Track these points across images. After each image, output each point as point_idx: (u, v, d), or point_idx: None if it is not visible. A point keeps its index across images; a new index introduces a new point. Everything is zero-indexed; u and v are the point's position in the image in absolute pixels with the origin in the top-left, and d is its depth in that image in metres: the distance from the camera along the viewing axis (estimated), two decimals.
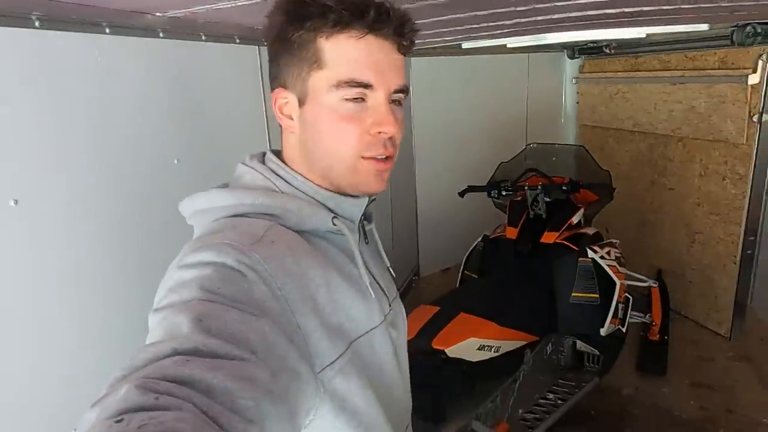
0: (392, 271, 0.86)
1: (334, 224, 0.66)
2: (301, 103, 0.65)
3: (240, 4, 0.99)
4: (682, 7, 1.71)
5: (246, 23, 1.30)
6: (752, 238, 2.59)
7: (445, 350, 1.64)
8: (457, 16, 1.63)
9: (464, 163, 3.40)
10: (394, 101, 0.66)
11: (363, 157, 0.65)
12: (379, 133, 0.64)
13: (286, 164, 0.69)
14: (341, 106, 0.63)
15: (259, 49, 1.44)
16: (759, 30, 2.33)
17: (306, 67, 0.63)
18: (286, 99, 0.66)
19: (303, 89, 0.64)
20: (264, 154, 0.72)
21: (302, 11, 0.61)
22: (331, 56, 0.61)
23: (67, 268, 0.91)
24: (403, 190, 3.33)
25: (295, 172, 0.68)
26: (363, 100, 0.63)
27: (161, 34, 1.07)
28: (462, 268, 2.48)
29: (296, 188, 0.67)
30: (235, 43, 1.34)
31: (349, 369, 0.63)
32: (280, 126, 0.70)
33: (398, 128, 0.66)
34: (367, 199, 0.72)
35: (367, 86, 0.62)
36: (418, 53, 3.21)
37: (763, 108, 2.44)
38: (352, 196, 0.70)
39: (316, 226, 0.66)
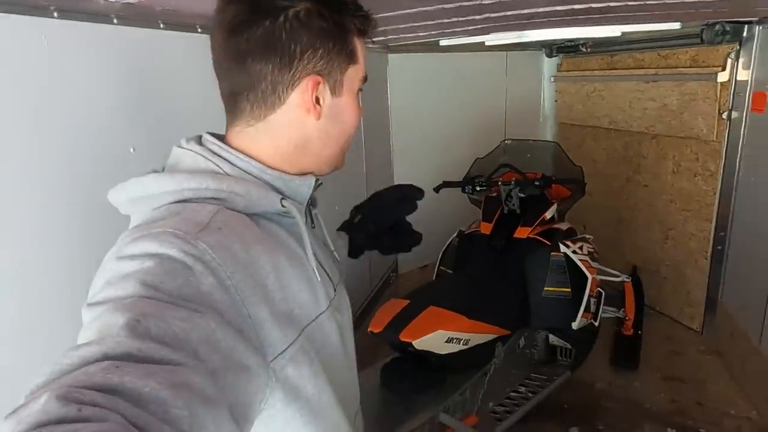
0: (337, 255, 0.86)
1: (283, 206, 0.65)
2: (335, 92, 0.67)
3: None
4: (648, 3, 1.73)
5: (207, 12, 1.29)
6: (722, 233, 2.62)
7: (413, 342, 1.64)
8: (426, 9, 1.64)
9: (443, 160, 3.41)
10: None
11: None
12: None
13: (229, 145, 0.66)
14: (358, 99, 0.72)
15: None
16: (728, 28, 2.37)
17: (345, 58, 0.66)
18: (320, 86, 0.65)
19: (338, 80, 0.67)
20: (200, 136, 0.69)
21: (341, 2, 0.65)
22: (360, 53, 0.69)
23: (10, 264, 0.88)
24: (381, 186, 3.33)
25: (239, 151, 0.66)
26: None
27: (115, 20, 1.06)
28: (438, 263, 2.49)
29: (242, 169, 0.65)
30: (196, 32, 1.33)
31: (300, 357, 0.62)
32: (243, 105, 0.66)
33: None
34: (314, 178, 0.71)
35: None
36: (395, 49, 3.21)
37: (732, 105, 2.48)
38: (298, 175, 0.70)
39: (265, 209, 0.65)
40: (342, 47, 0.65)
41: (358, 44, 0.68)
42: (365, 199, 1.07)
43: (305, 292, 0.66)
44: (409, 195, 1.07)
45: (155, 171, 0.66)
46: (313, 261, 0.68)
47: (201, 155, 0.65)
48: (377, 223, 1.05)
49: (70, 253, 1.00)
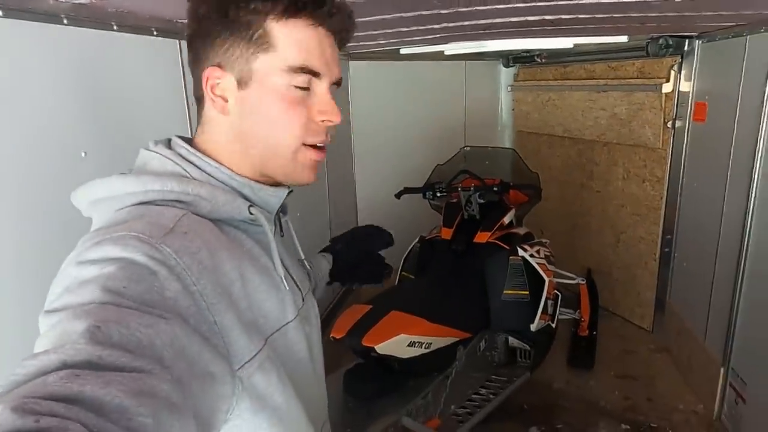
0: (307, 264, 0.85)
1: (250, 213, 0.64)
2: (242, 85, 0.62)
3: None
4: (597, 16, 1.82)
5: (164, 15, 1.27)
6: (669, 236, 2.76)
7: (375, 347, 1.64)
8: (384, 17, 1.66)
9: (404, 167, 3.45)
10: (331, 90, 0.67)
11: (304, 144, 0.65)
12: (322, 121, 0.65)
13: (198, 150, 0.65)
14: (289, 92, 0.62)
15: (179, 43, 1.40)
16: (671, 42, 2.51)
17: (252, 48, 0.60)
18: (219, 79, 0.62)
19: (246, 71, 0.61)
20: (169, 140, 0.67)
21: None
22: (283, 40, 0.61)
23: None
24: (343, 193, 3.33)
25: (208, 157, 0.65)
26: (308, 88, 0.63)
27: (65, 21, 1.03)
28: (399, 269, 2.51)
29: (210, 174, 0.64)
30: (152, 35, 1.30)
31: (267, 365, 0.61)
32: (201, 108, 0.66)
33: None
34: (287, 190, 0.70)
35: (316, 74, 0.63)
36: (356, 56, 3.23)
37: (675, 115, 2.62)
38: (270, 185, 0.68)
39: (231, 215, 0.63)
40: (244, 33, 0.60)
41: (277, 28, 0.60)
42: (343, 233, 1.15)
43: (270, 301, 0.65)
44: (380, 234, 1.14)
45: (122, 173, 0.64)
46: (281, 270, 0.67)
47: (169, 159, 0.64)
48: (351, 253, 1.11)
49: (18, 258, 0.96)
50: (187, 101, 1.45)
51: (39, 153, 1.00)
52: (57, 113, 1.04)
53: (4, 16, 0.90)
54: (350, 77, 3.36)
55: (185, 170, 0.63)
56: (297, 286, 0.74)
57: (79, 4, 1.01)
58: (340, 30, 0.66)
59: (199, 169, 0.64)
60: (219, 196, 0.62)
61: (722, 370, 2.11)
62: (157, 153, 0.64)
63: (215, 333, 0.55)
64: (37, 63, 0.99)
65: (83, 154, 1.10)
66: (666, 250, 2.79)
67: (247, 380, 0.58)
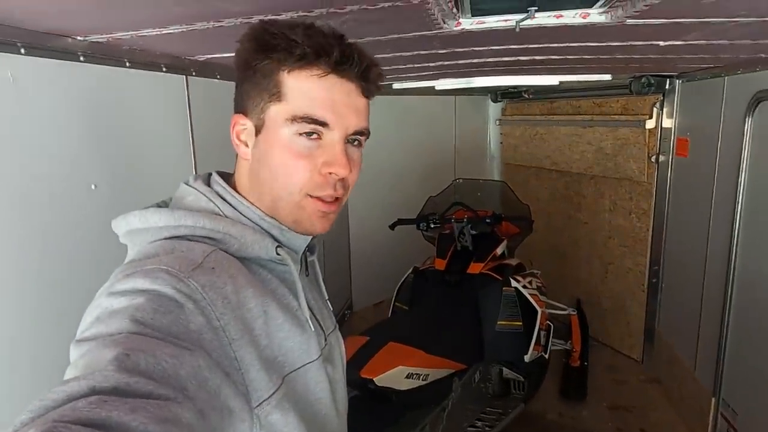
0: (330, 304, 0.85)
1: (278, 254, 0.65)
2: (258, 131, 0.65)
3: (165, 32, 1.01)
4: (584, 57, 1.91)
5: (173, 52, 1.31)
6: (656, 267, 2.82)
7: (374, 379, 1.64)
8: (384, 56, 1.73)
9: (396, 199, 3.49)
10: (351, 141, 0.66)
11: (310, 196, 0.65)
12: (330, 173, 0.64)
13: (234, 189, 0.68)
14: (294, 141, 0.63)
15: (186, 78, 1.44)
16: (652, 81, 2.63)
17: (266, 97, 0.63)
18: (244, 126, 0.66)
19: (261, 118, 0.64)
20: (209, 175, 0.70)
21: (270, 42, 0.62)
22: (291, 90, 0.62)
23: None
24: (336, 225, 3.34)
25: (242, 197, 0.67)
26: (318, 137, 0.63)
27: (81, 58, 1.06)
28: (393, 299, 2.52)
29: (241, 213, 0.66)
30: (161, 71, 1.34)
31: (285, 404, 0.61)
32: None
33: (351, 170, 0.65)
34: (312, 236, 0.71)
35: (322, 124, 0.62)
36: None
37: (659, 150, 2.72)
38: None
39: (259, 254, 0.64)
40: (262, 83, 0.63)
41: (288, 79, 0.62)
42: None
43: (293, 340, 0.65)
44: None
45: (158, 205, 0.66)
46: (306, 309, 0.68)
47: (204, 195, 0.66)
48: None
49: (24, 288, 0.96)
50: (192, 135, 1.48)
51: (50, 184, 1.01)
52: (69, 146, 1.06)
53: (26, 53, 0.93)
54: None
55: (218, 207, 0.65)
56: (320, 325, 0.74)
57: (97, 42, 1.05)
58: (360, 78, 0.64)
59: (232, 207, 0.66)
60: (248, 236, 0.63)
61: (713, 400, 2.13)
62: (194, 189, 0.67)
63: (236, 369, 0.56)
64: (53, 98, 1.02)
65: (93, 187, 1.11)
66: (654, 280, 2.85)
67: (265, 418, 0.59)
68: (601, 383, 2.82)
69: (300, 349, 0.66)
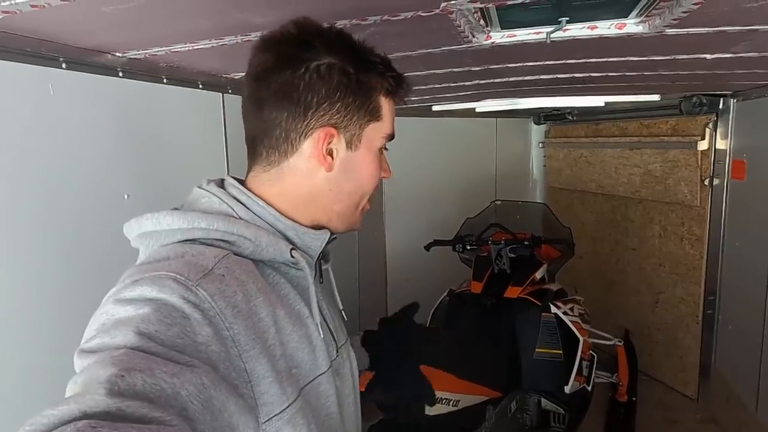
0: (345, 315, 0.83)
1: (292, 256, 0.64)
2: (351, 147, 0.68)
3: (196, 47, 1.04)
4: (626, 74, 1.84)
5: (209, 69, 1.36)
6: (711, 297, 2.63)
7: None
8: (418, 74, 1.73)
9: (434, 220, 3.45)
10: None
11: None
12: (382, 177, 0.75)
13: (250, 190, 0.67)
14: (378, 155, 0.72)
15: (222, 96, 1.49)
16: (704, 101, 2.51)
17: (367, 116, 0.68)
18: (334, 139, 0.66)
19: (356, 135, 0.68)
20: (222, 179, 0.69)
21: (368, 59, 0.67)
22: (386, 112, 0.70)
23: (7, 310, 0.88)
24: (372, 247, 3.34)
25: (257, 197, 0.66)
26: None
27: (120, 73, 1.11)
28: (428, 322, 2.46)
29: (256, 214, 0.65)
30: (198, 88, 1.39)
31: (298, 419, 0.59)
32: (277, 157, 0.67)
33: None
34: (328, 233, 0.71)
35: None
36: None
37: (713, 172, 2.57)
38: (314, 228, 0.69)
39: (273, 257, 0.63)
40: (363, 103, 0.66)
41: (385, 103, 0.69)
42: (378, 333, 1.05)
43: (303, 350, 0.63)
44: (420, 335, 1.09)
45: (173, 209, 0.65)
46: (317, 316, 0.66)
47: (217, 197, 0.65)
48: (389, 364, 1.05)
49: (64, 296, 0.99)
50: (227, 151, 1.52)
51: (85, 192, 1.06)
52: (104, 157, 1.11)
53: (67, 68, 0.99)
54: None
55: (232, 209, 0.64)
56: (332, 336, 0.72)
57: (135, 58, 1.10)
58: (399, 102, 0.74)
59: (247, 208, 0.65)
60: (263, 238, 0.62)
61: None
62: (207, 191, 0.66)
63: (245, 381, 0.54)
64: (91, 111, 1.07)
65: (126, 197, 1.15)
66: (709, 311, 2.65)
67: None
68: (652, 422, 2.63)
69: (310, 359, 0.64)
